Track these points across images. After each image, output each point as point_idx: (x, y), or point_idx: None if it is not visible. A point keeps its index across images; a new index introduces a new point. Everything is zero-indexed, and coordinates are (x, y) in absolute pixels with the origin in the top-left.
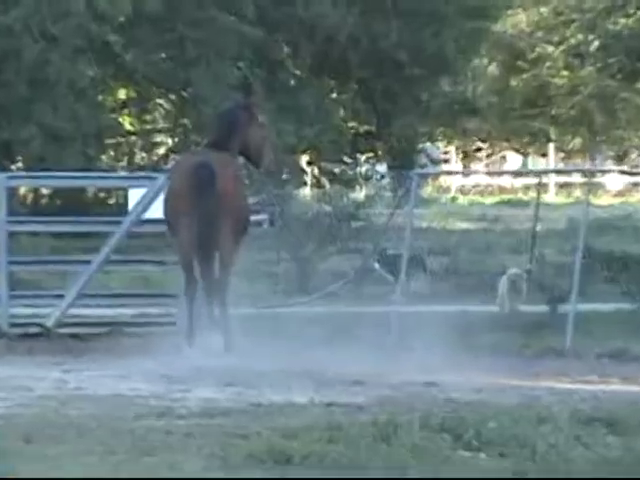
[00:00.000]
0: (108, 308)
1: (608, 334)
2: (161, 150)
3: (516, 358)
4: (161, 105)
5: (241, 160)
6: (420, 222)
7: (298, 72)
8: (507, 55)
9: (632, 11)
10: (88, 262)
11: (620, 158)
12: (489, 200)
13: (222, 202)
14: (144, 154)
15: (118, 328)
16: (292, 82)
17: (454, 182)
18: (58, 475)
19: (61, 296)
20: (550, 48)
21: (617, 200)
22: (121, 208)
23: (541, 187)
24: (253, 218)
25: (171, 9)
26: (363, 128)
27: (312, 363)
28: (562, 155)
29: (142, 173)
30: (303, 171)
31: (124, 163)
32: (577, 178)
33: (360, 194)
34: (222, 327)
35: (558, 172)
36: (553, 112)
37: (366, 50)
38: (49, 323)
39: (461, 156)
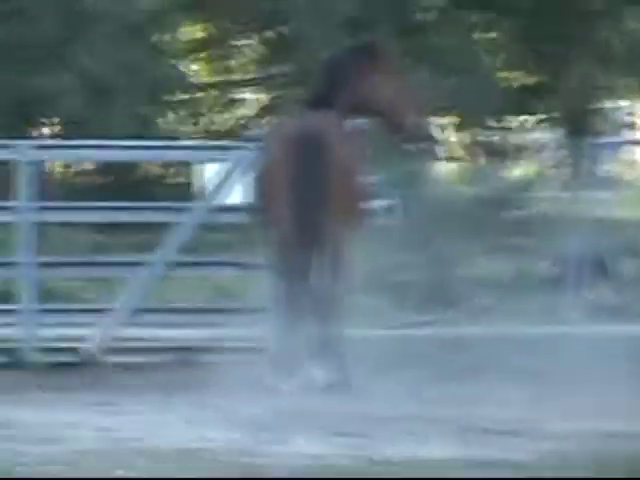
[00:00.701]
0: (170, 328)
1: None
2: (245, 110)
3: None
4: (246, 48)
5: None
6: (603, 210)
7: (433, 3)
8: None
9: None
10: (143, 265)
11: None
12: None
13: (334, 184)
14: (222, 116)
15: (184, 355)
16: (425, 16)
17: None
18: None
19: (106, 311)
20: None
21: None
22: (189, 190)
23: None
24: (373, 205)
25: None
26: (523, 81)
27: (454, 404)
28: None
29: (219, 142)
30: (441, 140)
31: (193, 128)
32: None
33: (520, 171)
34: (329, 354)
35: None
36: None
37: None
38: (90, 348)
39: None
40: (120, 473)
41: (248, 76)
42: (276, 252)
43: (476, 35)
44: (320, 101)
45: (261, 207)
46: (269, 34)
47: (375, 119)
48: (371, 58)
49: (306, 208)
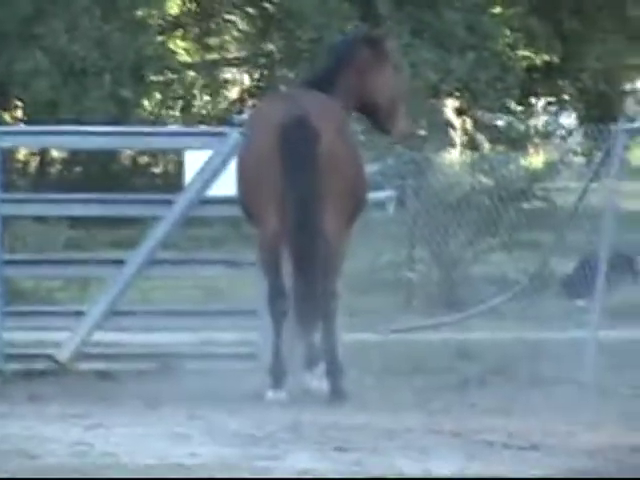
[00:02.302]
0: (154, 332)
1: None
2: (233, 92)
3: None
4: (233, 23)
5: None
6: (629, 203)
7: None
8: None
9: None
10: (122, 263)
11: None
12: None
13: (327, 172)
14: (207, 98)
15: (170, 362)
16: None
17: None
18: None
19: (81, 314)
20: None
21: None
22: (173, 181)
23: None
24: (372, 196)
25: None
26: (541, 58)
27: (462, 416)
28: None
29: (204, 127)
30: (450, 124)
31: (177, 112)
32: None
33: (536, 159)
34: (327, 360)
35: None
36: None
37: None
38: (63, 355)
39: None
40: None
41: (234, 55)
42: (263, 250)
43: (490, 8)
44: (320, 84)
45: (245, 200)
46: (254, 10)
47: (364, 117)
48: (373, 51)
49: (296, 200)
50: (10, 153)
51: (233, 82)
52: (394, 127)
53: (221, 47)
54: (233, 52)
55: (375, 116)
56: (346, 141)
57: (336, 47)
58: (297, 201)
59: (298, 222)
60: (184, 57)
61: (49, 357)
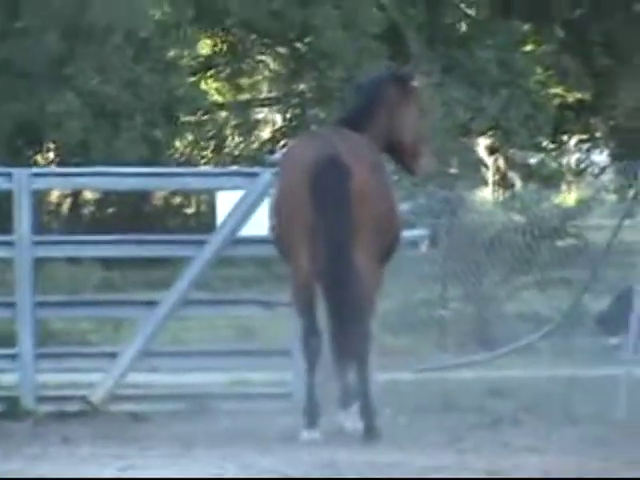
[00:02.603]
0: (188, 373)
1: None
2: (265, 132)
3: None
4: (264, 63)
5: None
6: None
7: (474, 12)
8: None
9: None
10: (155, 303)
11: None
12: None
13: (359, 210)
14: (239, 138)
15: (203, 402)
16: (464, 27)
17: None
18: None
19: (114, 355)
20: None
21: None
22: (205, 221)
23: None
24: (406, 234)
25: None
26: (573, 97)
27: (495, 454)
28: None
29: (236, 168)
30: (481, 162)
31: (209, 153)
32: None
33: (569, 197)
34: (361, 400)
35: None
36: None
37: None
38: (96, 396)
39: None
40: None
41: (266, 95)
42: (296, 289)
43: (522, 46)
44: (352, 123)
45: (278, 239)
46: (285, 50)
47: (389, 155)
48: (400, 89)
49: (329, 239)
50: (43, 195)
51: (265, 122)
52: (417, 165)
53: (253, 87)
54: (265, 92)
55: (400, 154)
56: (379, 179)
57: (365, 86)
58: (329, 239)
59: (331, 260)
60: (216, 97)
61: (82, 399)
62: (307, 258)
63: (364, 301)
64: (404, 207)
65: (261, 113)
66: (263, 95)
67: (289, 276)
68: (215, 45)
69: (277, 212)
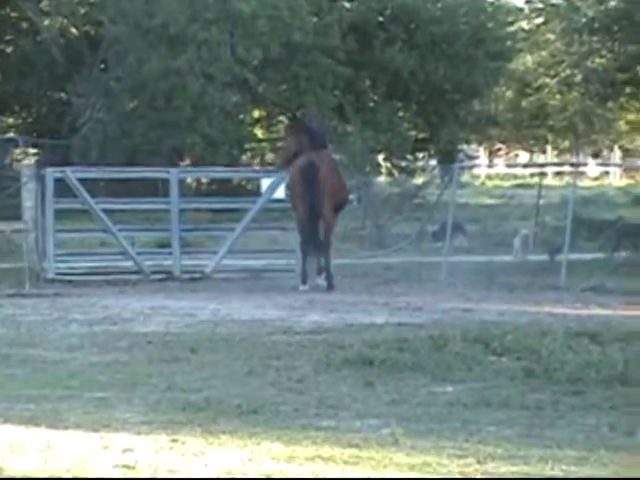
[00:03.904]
0: (248, 260)
1: (589, 275)
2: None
3: (526, 291)
4: (282, 121)
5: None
6: (460, 199)
7: (376, 97)
8: (518, 84)
9: (604, 53)
10: (234, 229)
11: (596, 154)
12: (507, 184)
13: (324, 187)
14: (271, 154)
15: (255, 274)
16: (371, 104)
17: (483, 171)
18: (212, 375)
19: (216, 252)
20: (548, 79)
21: (595, 183)
22: (256, 192)
23: (542, 175)
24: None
25: (289, 54)
26: (420, 135)
27: (388, 295)
28: (556, 152)
29: (270, 168)
30: (379, 165)
31: (257, 161)
32: (567, 168)
33: (419, 180)
34: (326, 272)
35: (554, 164)
36: (550, 123)
37: (422, 81)
38: (208, 270)
39: (487, 153)
40: (224, 331)
41: (281, 135)
42: (298, 222)
43: (398, 113)
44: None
45: (291, 202)
46: (290, 115)
47: None
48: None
49: (311, 201)
50: (184, 180)
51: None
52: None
53: (277, 131)
54: (282, 133)
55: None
56: (334, 171)
57: (316, 124)
58: (312, 201)
59: (312, 211)
60: (260, 136)
61: (201, 272)
62: (303, 209)
63: (328, 227)
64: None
65: (280, 143)
66: (281, 135)
67: (295, 217)
68: (260, 113)
69: (290, 188)
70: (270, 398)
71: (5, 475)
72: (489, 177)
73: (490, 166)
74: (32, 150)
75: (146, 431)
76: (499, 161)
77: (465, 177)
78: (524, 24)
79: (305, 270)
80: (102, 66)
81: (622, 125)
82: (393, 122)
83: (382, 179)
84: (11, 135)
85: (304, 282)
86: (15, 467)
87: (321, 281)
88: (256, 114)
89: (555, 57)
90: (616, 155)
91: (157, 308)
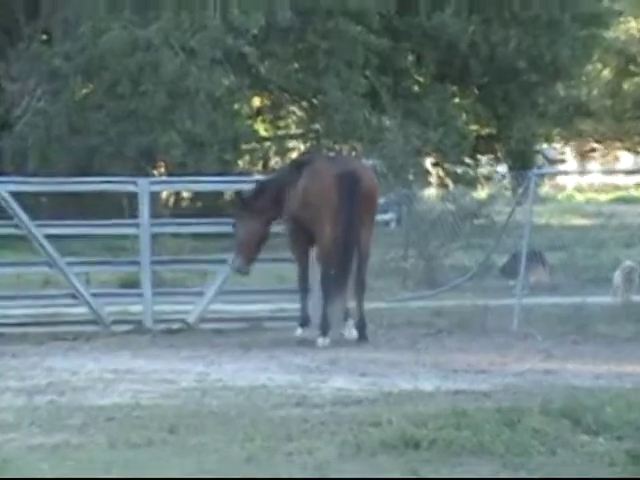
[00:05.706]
0: (247, 304)
1: None
2: (294, 155)
3: (631, 345)
4: (293, 112)
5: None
6: (538, 219)
7: (422, 79)
8: (619, 60)
9: None
10: (225, 261)
11: None
12: (604, 197)
13: (366, 204)
14: (278, 159)
15: (257, 323)
16: (416, 89)
17: (570, 181)
18: (199, 466)
19: (201, 293)
20: None
21: None
22: None
23: None
24: (381, 217)
25: (302, 20)
26: (484, 131)
27: (440, 352)
28: None
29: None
30: (428, 172)
31: (259, 167)
32: None
33: (482, 193)
34: (357, 319)
35: None
36: None
37: (486, 57)
38: (191, 319)
39: (577, 156)
40: (214, 403)
41: (294, 132)
42: (321, 250)
43: (452, 100)
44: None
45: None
46: (306, 104)
47: None
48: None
49: (350, 222)
50: (157, 194)
51: (294, 148)
52: None
53: (286, 126)
54: (293, 130)
55: None
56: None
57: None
58: (348, 220)
59: (347, 234)
60: (263, 133)
61: (182, 321)
62: (333, 229)
63: (364, 257)
64: (381, 201)
65: (291, 143)
66: (292, 132)
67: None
68: (262, 101)
69: (314, 200)
70: None
71: None
72: (579, 188)
73: (581, 173)
74: None
75: None
76: (593, 166)
77: (546, 189)
78: None
79: (327, 317)
80: (44, 37)
81: None
82: (446, 113)
83: (431, 191)
84: None
85: (324, 334)
86: None
87: (348, 332)
88: (257, 103)
89: None
90: None
91: (121, 372)
